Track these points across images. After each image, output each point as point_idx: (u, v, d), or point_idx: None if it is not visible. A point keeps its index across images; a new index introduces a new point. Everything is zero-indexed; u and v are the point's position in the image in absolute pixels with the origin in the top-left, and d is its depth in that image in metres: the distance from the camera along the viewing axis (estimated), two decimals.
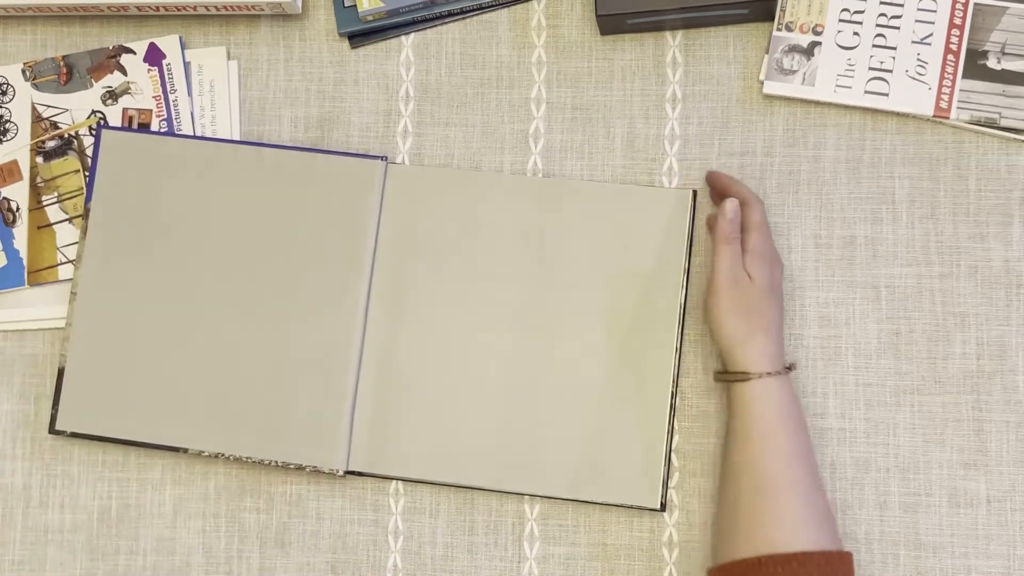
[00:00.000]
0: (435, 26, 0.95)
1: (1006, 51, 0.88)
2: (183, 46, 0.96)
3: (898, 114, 0.90)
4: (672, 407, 0.87)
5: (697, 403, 0.89)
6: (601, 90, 0.93)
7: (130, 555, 0.92)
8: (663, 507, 0.86)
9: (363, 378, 0.89)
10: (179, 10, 0.94)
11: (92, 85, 0.96)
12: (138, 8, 0.94)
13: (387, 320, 0.90)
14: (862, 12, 0.89)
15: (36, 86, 0.96)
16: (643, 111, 0.93)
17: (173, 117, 0.95)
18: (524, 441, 0.88)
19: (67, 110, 0.96)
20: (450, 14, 0.95)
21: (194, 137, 0.94)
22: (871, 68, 0.89)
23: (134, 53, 0.96)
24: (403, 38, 0.95)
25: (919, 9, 0.89)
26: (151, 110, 0.95)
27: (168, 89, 0.95)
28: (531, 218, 0.90)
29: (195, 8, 0.94)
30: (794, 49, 0.90)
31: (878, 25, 0.89)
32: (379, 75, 0.95)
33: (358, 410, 0.89)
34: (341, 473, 0.88)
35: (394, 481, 0.91)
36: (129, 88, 0.96)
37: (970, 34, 0.89)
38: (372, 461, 0.89)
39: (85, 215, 0.92)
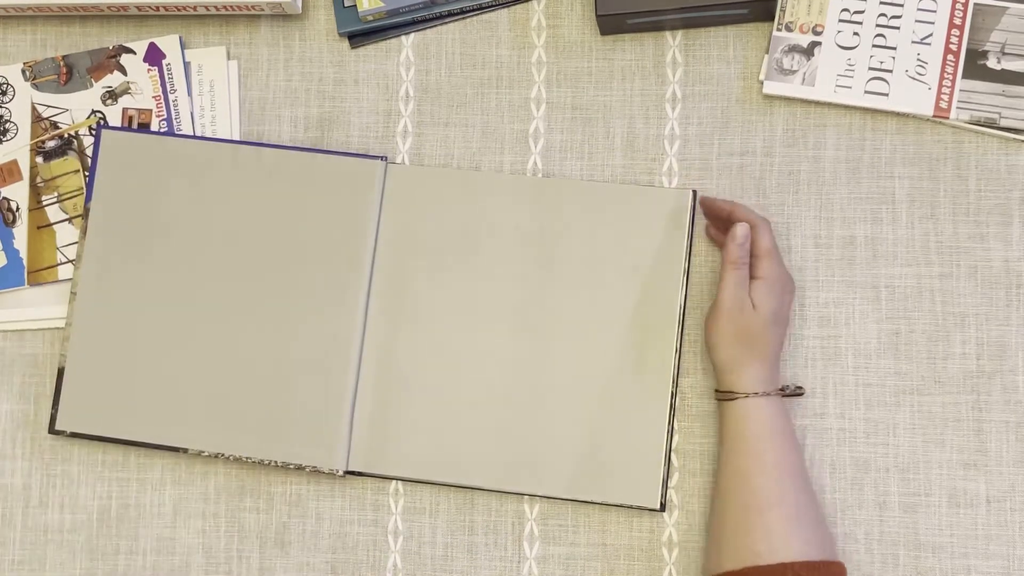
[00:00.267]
0: (435, 26, 0.95)
1: (1006, 51, 0.88)
2: (183, 46, 0.96)
3: (898, 114, 0.90)
4: (672, 407, 0.87)
5: (697, 403, 0.89)
6: (601, 90, 0.93)
7: (130, 555, 0.92)
8: (663, 507, 0.86)
9: (363, 378, 0.89)
10: (179, 10, 0.94)
11: (92, 85, 0.96)
12: (138, 8, 0.94)
13: (387, 320, 0.90)
14: (862, 12, 0.89)
15: (36, 86, 0.96)
16: (643, 111, 0.93)
17: (173, 117, 0.95)
18: (524, 441, 0.88)
19: (67, 110, 0.96)
20: (450, 14, 0.95)
21: (194, 137, 0.94)
22: (871, 68, 0.89)
23: (134, 53, 0.96)
24: (403, 38, 0.95)
25: (919, 9, 0.89)
26: (151, 110, 0.95)
27: (168, 89, 0.95)
28: (531, 218, 0.90)
29: (195, 8, 0.94)
30: (794, 49, 0.90)
31: (878, 25, 0.89)
32: (379, 75, 0.95)
33: (358, 410, 0.89)
34: (341, 473, 0.88)
35: (394, 481, 0.91)
36: (129, 88, 0.96)
37: (970, 34, 0.88)
38: (372, 461, 0.89)
39: (85, 215, 0.92)
